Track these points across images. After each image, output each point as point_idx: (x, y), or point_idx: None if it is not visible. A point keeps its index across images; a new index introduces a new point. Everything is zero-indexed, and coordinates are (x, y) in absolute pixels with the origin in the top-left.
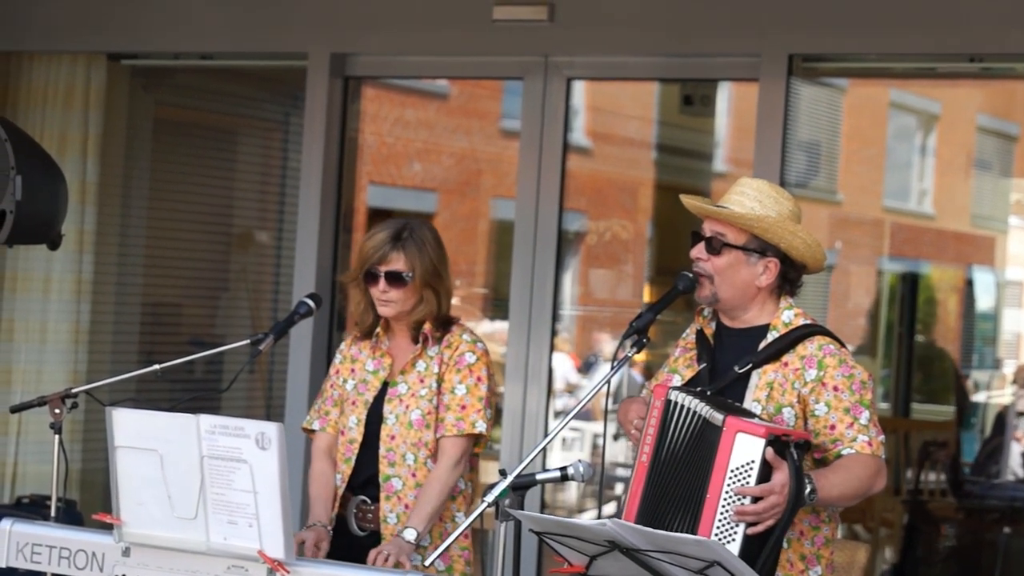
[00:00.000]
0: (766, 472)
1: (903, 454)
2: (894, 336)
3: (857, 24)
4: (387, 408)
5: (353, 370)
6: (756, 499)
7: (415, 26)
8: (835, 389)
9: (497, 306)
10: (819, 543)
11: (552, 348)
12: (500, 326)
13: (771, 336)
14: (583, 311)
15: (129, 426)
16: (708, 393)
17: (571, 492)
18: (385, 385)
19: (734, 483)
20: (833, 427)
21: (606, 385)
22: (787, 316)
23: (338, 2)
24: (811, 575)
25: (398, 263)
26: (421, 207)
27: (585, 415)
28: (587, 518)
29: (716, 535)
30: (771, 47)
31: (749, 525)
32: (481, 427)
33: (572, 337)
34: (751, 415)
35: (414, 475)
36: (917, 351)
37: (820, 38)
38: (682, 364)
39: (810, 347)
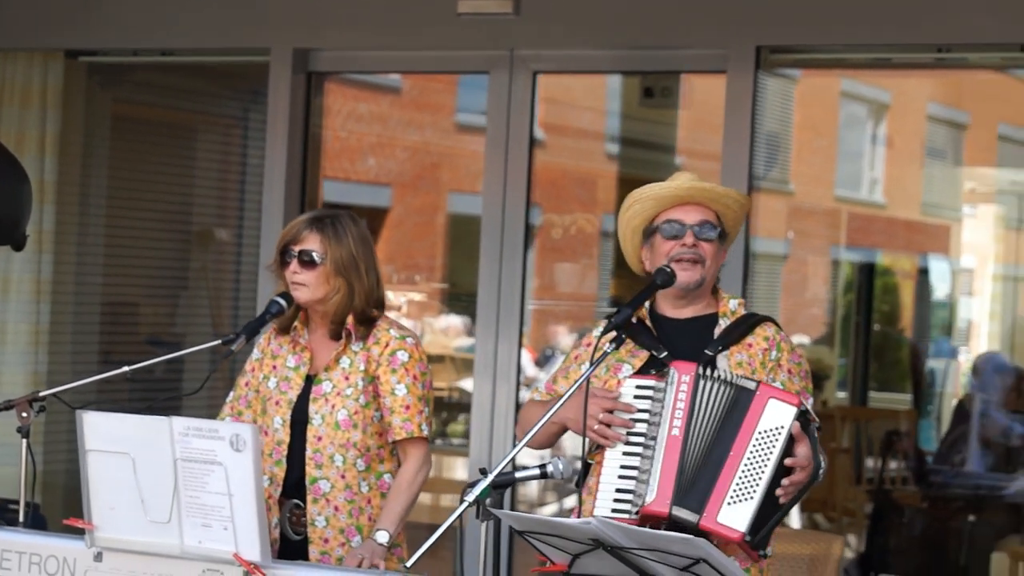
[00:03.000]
0: (790, 444)
1: (863, 443)
2: (851, 326)
3: (825, 15)
4: (312, 408)
5: (275, 367)
6: (787, 470)
7: (379, 21)
8: (789, 372)
9: (454, 301)
10: None
11: (520, 344)
12: (456, 320)
13: (723, 322)
14: (539, 305)
15: (100, 429)
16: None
17: (531, 487)
18: (308, 381)
19: (761, 445)
20: None
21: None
22: (732, 304)
23: None
24: (768, 552)
25: (311, 243)
26: (376, 202)
27: None
28: (547, 512)
29: (734, 491)
30: (738, 39)
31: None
32: (427, 430)
33: (529, 331)
34: None
35: (343, 476)
36: (874, 340)
37: (788, 29)
38: (625, 354)
39: (769, 331)
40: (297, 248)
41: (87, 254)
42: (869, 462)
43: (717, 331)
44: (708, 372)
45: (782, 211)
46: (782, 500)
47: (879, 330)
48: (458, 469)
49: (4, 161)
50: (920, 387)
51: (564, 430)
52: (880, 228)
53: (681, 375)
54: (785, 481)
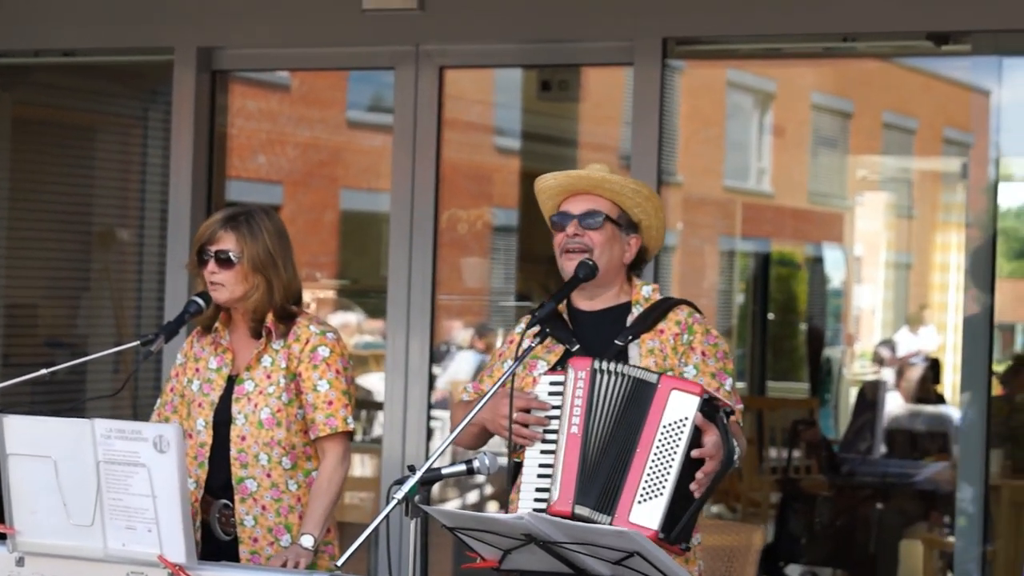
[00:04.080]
0: (696, 435)
1: (764, 433)
2: (747, 316)
3: (730, 5)
4: (235, 408)
5: (197, 369)
6: (697, 462)
7: (283, 18)
8: (703, 354)
9: (349, 297)
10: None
11: (432, 341)
12: (350, 317)
13: (636, 310)
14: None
15: (20, 432)
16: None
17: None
18: (230, 382)
19: (666, 439)
20: None
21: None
22: (646, 291)
23: None
24: (694, 541)
25: (227, 243)
26: (267, 200)
27: (443, 404)
28: (451, 507)
29: (643, 489)
30: (644, 31)
31: (678, 487)
32: (352, 423)
33: None
34: None
35: (269, 475)
36: (770, 330)
37: (694, 21)
38: (541, 351)
39: (681, 314)
40: (213, 248)
41: None
42: (772, 452)
43: (630, 319)
44: (605, 366)
45: (672, 202)
46: (696, 493)
47: (774, 319)
48: (357, 466)
49: None
50: (817, 376)
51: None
52: (770, 218)
53: (577, 371)
54: (699, 474)
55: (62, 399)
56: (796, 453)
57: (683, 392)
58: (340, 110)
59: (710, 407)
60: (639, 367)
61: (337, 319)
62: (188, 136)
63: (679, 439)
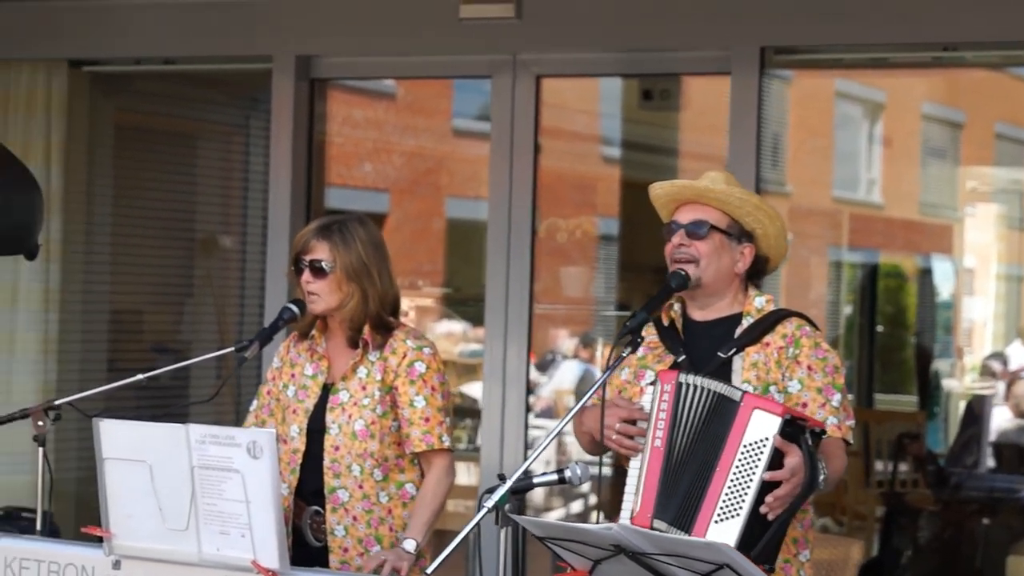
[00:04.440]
0: (777, 455)
1: (871, 446)
2: (855, 327)
3: (828, 15)
4: (329, 417)
5: (293, 375)
6: (774, 484)
7: (381, 26)
8: (809, 368)
9: (454, 306)
10: (806, 526)
11: (530, 350)
12: (455, 326)
13: (746, 322)
14: (540, 309)
15: (117, 437)
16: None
17: (538, 491)
18: (325, 391)
19: (746, 459)
20: (805, 405)
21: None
22: (759, 302)
23: (302, 4)
24: (802, 558)
25: (320, 252)
26: (374, 208)
27: (547, 413)
28: (554, 517)
29: (721, 509)
30: (742, 40)
31: (756, 508)
32: (447, 441)
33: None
34: None
35: (361, 487)
36: (879, 342)
37: (791, 30)
38: (651, 360)
39: (789, 327)
40: (307, 258)
41: (94, 262)
42: (879, 465)
43: (739, 331)
44: (691, 380)
45: (781, 213)
46: (769, 516)
47: (883, 331)
48: (462, 474)
49: (15, 171)
50: (926, 389)
51: None
52: (879, 229)
53: (664, 384)
54: (769, 497)
55: (166, 404)
56: (902, 467)
57: (765, 412)
58: (445, 119)
59: (793, 428)
60: (724, 383)
61: (442, 327)
62: (287, 144)
63: (759, 460)
